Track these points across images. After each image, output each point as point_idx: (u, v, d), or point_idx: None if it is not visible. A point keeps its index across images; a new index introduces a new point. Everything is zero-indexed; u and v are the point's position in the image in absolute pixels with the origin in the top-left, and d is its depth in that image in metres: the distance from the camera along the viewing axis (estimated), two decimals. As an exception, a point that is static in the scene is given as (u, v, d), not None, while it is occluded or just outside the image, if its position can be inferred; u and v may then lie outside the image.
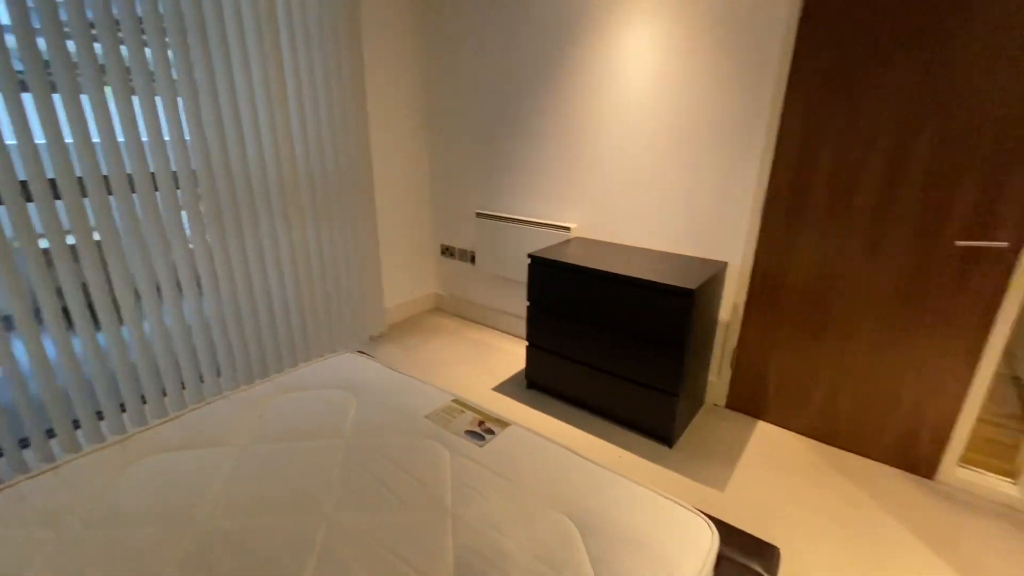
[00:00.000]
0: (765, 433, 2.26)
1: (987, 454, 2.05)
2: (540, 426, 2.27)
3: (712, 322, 2.29)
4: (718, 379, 2.46)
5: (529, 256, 2.36)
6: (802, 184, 2.01)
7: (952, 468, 1.93)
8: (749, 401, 2.39)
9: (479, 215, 3.07)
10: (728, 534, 1.19)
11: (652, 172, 2.41)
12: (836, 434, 2.16)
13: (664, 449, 2.15)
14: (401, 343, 3.10)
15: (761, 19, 1.96)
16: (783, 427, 2.30)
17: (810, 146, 1.96)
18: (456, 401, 1.59)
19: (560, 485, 1.22)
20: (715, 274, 2.10)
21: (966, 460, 1.98)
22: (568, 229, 2.71)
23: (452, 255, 3.46)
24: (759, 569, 1.11)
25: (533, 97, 2.72)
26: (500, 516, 1.12)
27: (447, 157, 3.26)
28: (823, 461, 2.08)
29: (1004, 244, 1.63)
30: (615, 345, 2.17)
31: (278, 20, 2.27)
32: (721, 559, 1.12)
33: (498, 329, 3.31)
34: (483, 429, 1.44)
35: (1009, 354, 2.84)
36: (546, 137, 2.74)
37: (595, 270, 2.14)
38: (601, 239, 2.67)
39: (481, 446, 1.36)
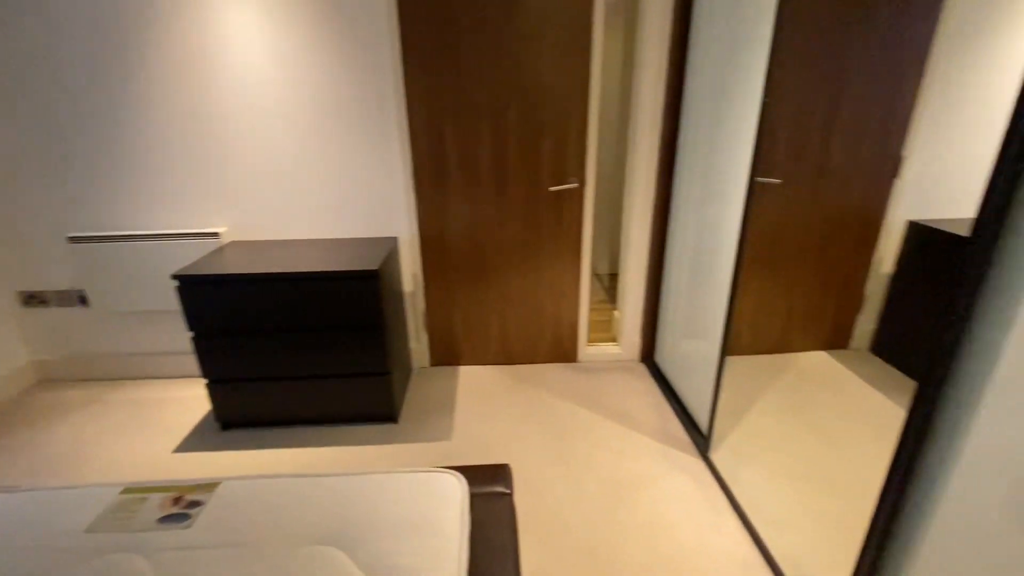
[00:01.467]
0: (467, 375, 2.60)
1: (599, 331, 2.92)
2: (255, 467, 1.97)
3: (399, 295, 2.42)
4: (418, 344, 2.65)
5: (174, 277, 1.92)
6: (438, 154, 2.28)
7: (584, 348, 2.68)
8: (447, 354, 2.67)
9: (74, 240, 2.27)
10: (470, 475, 1.34)
11: (298, 157, 2.28)
12: (514, 354, 2.67)
13: (392, 427, 2.21)
14: (2, 447, 2.10)
15: None
16: (479, 364, 2.69)
17: (435, 119, 2.22)
18: (128, 490, 1.21)
19: (305, 518, 1.11)
20: (390, 250, 2.19)
21: (590, 340, 2.77)
22: (217, 235, 2.31)
23: (44, 303, 2.49)
24: (500, 489, 1.31)
25: (119, 90, 2.12)
26: (245, 589, 0.94)
27: (-17, 169, 2.24)
28: (511, 378, 2.55)
29: (575, 184, 2.27)
30: (309, 347, 2.04)
31: None
32: (473, 497, 1.26)
33: (159, 376, 2.62)
34: (183, 506, 1.15)
35: (591, 258, 4.05)
36: (155, 133, 2.20)
37: (263, 274, 1.92)
38: (260, 239, 2.40)
39: (188, 527, 1.09)
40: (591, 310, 3.24)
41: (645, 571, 1.51)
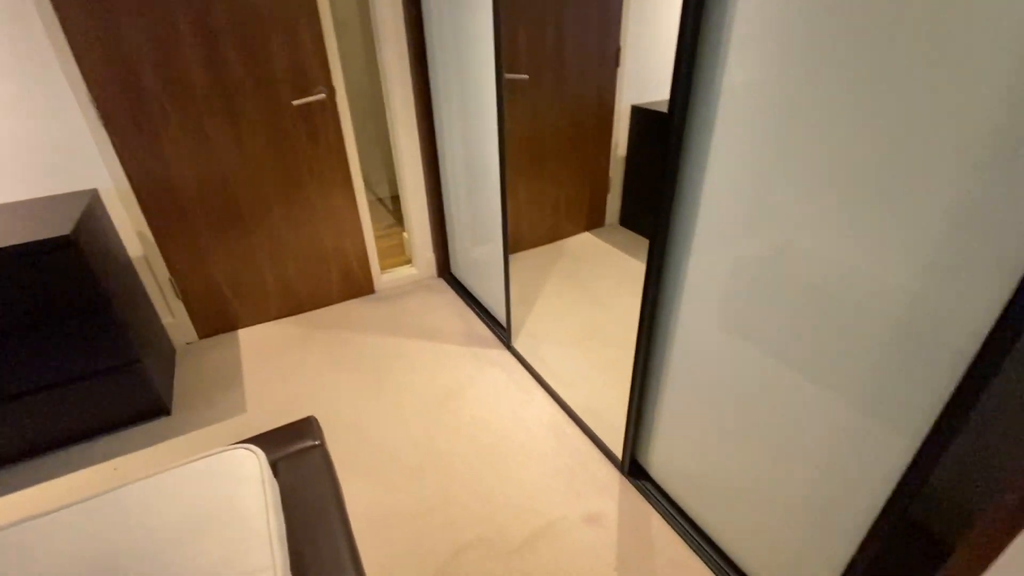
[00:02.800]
0: (250, 338, 2.27)
1: (391, 256, 2.81)
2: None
3: (123, 263, 1.89)
4: (175, 318, 2.18)
5: None
6: (128, 75, 1.73)
7: (379, 277, 2.56)
8: (218, 320, 2.27)
9: None
10: (270, 441, 1.18)
11: None
12: (302, 301, 2.41)
13: (166, 420, 1.83)
14: None
15: None
16: (261, 322, 2.36)
17: (111, 26, 1.65)
18: None
19: (77, 555, 0.84)
20: (87, 207, 1.65)
21: (384, 267, 2.65)
22: None
23: None
24: (309, 443, 1.19)
25: None
26: None
27: None
28: (304, 327, 2.32)
29: (322, 95, 1.99)
30: (13, 354, 1.49)
31: None
32: (278, 462, 1.12)
33: None
34: None
35: (369, 184, 3.80)
36: None
37: None
38: None
39: None
40: (381, 236, 3.08)
41: (474, 463, 1.61)
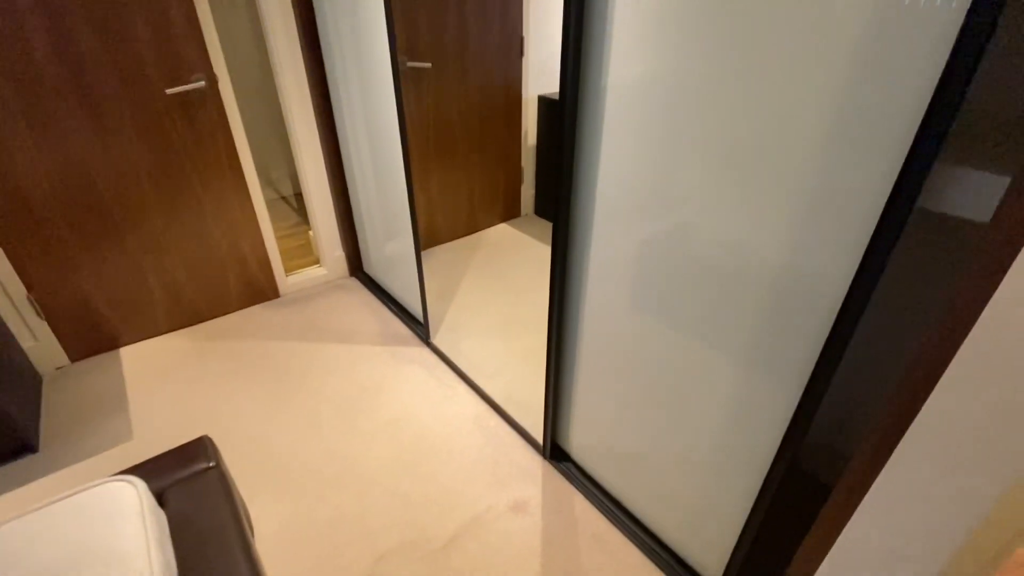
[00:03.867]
0: (135, 356, 2.03)
1: (298, 256, 2.64)
2: None
3: (-35, 281, 1.61)
4: (38, 341, 1.90)
5: None
6: (-54, 56, 1.46)
7: (284, 280, 2.40)
8: (94, 338, 2.01)
9: None
10: (155, 468, 1.06)
11: None
12: (198, 311, 2.20)
13: (33, 459, 1.59)
14: None
15: None
16: (147, 338, 2.13)
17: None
18: None
19: None
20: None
21: (289, 269, 2.49)
22: None
23: None
24: (202, 465, 1.08)
25: None
26: None
27: None
28: (200, 339, 2.12)
29: (202, 83, 1.81)
30: None
31: None
32: (166, 489, 1.01)
33: None
34: None
35: (270, 182, 3.54)
36: None
37: None
38: None
39: None
40: (286, 236, 2.89)
41: (393, 466, 1.56)
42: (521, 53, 2.64)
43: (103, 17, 1.61)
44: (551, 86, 2.85)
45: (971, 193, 0.64)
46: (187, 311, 2.17)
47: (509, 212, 3.11)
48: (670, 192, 0.94)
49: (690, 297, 0.98)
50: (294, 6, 1.94)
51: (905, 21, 0.60)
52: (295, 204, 3.36)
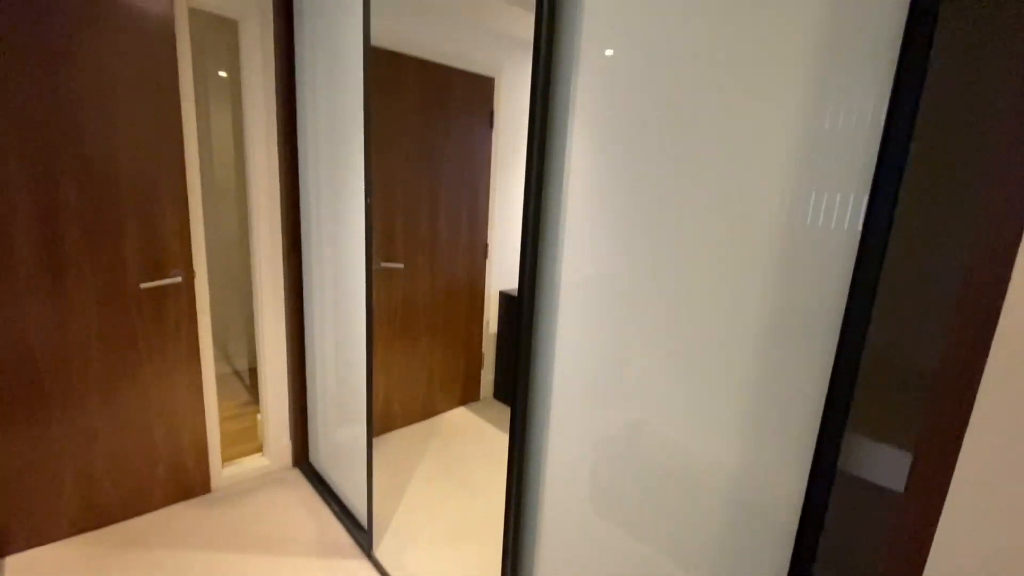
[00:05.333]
0: (23, 570, 1.72)
1: (241, 442, 2.48)
2: None
3: None
4: (-98, 550, 1.60)
5: None
6: (-74, 251, 1.51)
7: (219, 472, 2.21)
8: (-24, 546, 1.72)
9: None
10: None
11: None
12: (109, 509, 1.95)
13: None
14: None
15: None
16: (45, 544, 1.83)
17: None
18: None
19: None
20: None
21: (227, 458, 2.31)
22: None
23: None
24: None
25: None
26: None
27: None
28: (103, 549, 1.84)
29: (178, 279, 1.89)
30: None
31: None
32: None
33: None
34: None
35: (225, 354, 3.49)
36: None
37: None
38: None
39: None
40: (232, 417, 2.74)
41: None
42: (485, 255, 2.94)
43: (97, 217, 1.74)
44: (512, 283, 3.12)
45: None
46: (99, 510, 1.93)
47: (468, 396, 3.11)
48: (621, 388, 1.00)
49: (649, 505, 0.97)
50: (282, 207, 2.16)
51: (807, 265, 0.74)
52: (247, 380, 3.27)
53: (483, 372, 3.15)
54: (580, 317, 1.08)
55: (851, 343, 0.70)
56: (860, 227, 0.69)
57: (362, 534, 1.93)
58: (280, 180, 2.15)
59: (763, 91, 0.77)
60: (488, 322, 3.08)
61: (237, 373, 3.39)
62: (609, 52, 0.97)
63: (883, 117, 0.67)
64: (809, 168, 0.73)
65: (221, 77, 3.11)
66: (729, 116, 0.81)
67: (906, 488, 0.69)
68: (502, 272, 3.05)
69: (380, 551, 1.87)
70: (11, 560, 1.76)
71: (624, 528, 1.03)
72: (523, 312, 1.15)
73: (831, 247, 0.72)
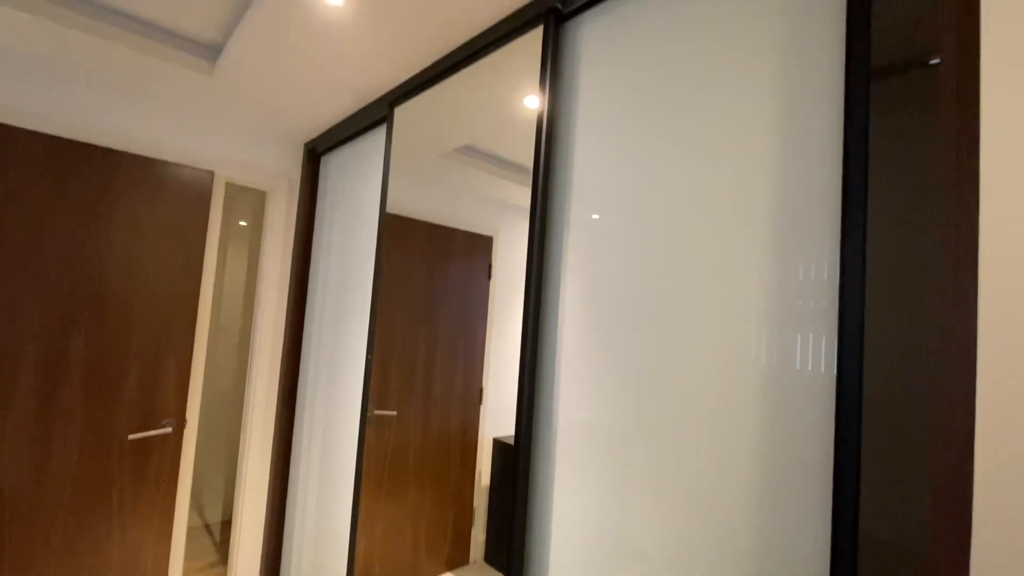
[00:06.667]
0: None
1: (197, 615, 2.21)
2: None
3: None
4: None
5: None
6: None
7: (169, 654, 1.94)
8: None
9: None
10: None
11: None
12: None
13: None
14: None
15: None
16: None
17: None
18: None
19: None
20: None
21: (181, 635, 2.04)
22: None
23: None
24: None
25: None
26: None
27: None
28: None
29: (168, 430, 1.88)
30: None
31: None
32: None
33: None
34: None
35: (199, 505, 3.26)
36: None
37: None
38: None
39: None
40: (196, 575, 2.47)
41: None
42: (480, 400, 2.93)
43: (100, 371, 1.78)
44: (506, 430, 3.06)
45: None
46: None
47: (457, 559, 2.85)
48: (623, 551, 0.93)
49: None
50: (283, 353, 2.21)
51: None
52: (218, 535, 3.01)
53: (474, 531, 2.92)
54: (578, 466, 1.07)
55: (844, 518, 0.70)
56: (835, 370, 0.74)
57: None
58: (285, 326, 2.25)
59: (733, 240, 0.88)
60: (480, 473, 2.95)
61: (207, 527, 3.13)
62: (595, 216, 1.12)
63: (837, 266, 0.76)
64: (783, 312, 0.81)
65: (241, 226, 3.41)
66: (706, 264, 0.91)
67: None
68: (497, 419, 3.01)
69: None
70: None
71: None
72: (520, 458, 1.14)
73: (814, 389, 0.77)
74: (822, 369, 0.76)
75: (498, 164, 3.00)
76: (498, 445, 2.94)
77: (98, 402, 1.78)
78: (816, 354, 0.77)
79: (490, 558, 2.92)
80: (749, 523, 0.80)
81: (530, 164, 1.27)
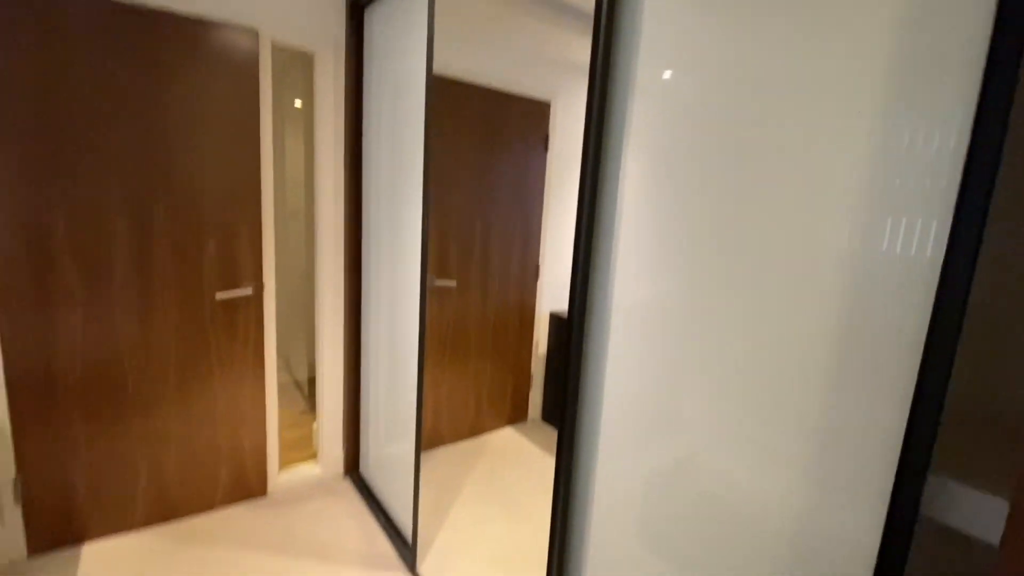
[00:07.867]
0: (95, 557, 1.86)
1: (296, 449, 2.59)
2: None
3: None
4: (3, 527, 1.78)
5: None
6: (42, 258, 1.70)
7: (276, 477, 2.31)
8: (60, 530, 1.88)
9: None
10: None
11: None
12: (177, 505, 2.08)
13: None
14: None
15: None
16: (120, 532, 1.98)
17: (35, 213, 1.68)
18: None
19: None
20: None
21: (286, 462, 2.41)
22: None
23: None
24: None
25: None
26: None
27: None
28: (169, 543, 1.95)
29: (249, 291, 2.03)
30: None
31: None
32: None
33: None
34: None
35: (287, 364, 3.67)
36: None
37: None
38: None
39: None
40: (291, 425, 2.87)
41: None
42: (536, 276, 2.94)
43: (183, 239, 1.90)
44: (562, 304, 3.10)
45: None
46: (167, 505, 2.06)
47: (516, 416, 3.09)
48: (674, 416, 0.95)
49: (703, 544, 0.91)
50: (345, 228, 2.28)
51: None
52: (307, 391, 3.41)
53: (531, 393, 3.12)
54: (632, 342, 1.05)
55: (934, 376, 0.64)
56: (943, 253, 0.64)
57: (406, 550, 1.93)
58: (345, 203, 2.27)
59: (834, 113, 0.74)
60: (537, 343, 3.06)
61: (296, 383, 3.55)
62: (667, 75, 0.96)
63: (967, 136, 0.62)
64: (884, 192, 0.69)
65: (296, 107, 3.36)
66: (796, 138, 0.78)
67: (1002, 542, 0.62)
68: (553, 293, 3.04)
69: (423, 568, 1.87)
70: (87, 548, 1.91)
71: (676, 567, 0.97)
72: (573, 334, 1.13)
73: (909, 275, 0.67)
74: (928, 253, 0.65)
75: (556, 9, 2.66)
76: (554, 318, 3.01)
77: (185, 265, 1.93)
78: (923, 235, 0.65)
79: (546, 417, 3.16)
80: (817, 390, 0.75)
81: (591, 8, 1.08)
